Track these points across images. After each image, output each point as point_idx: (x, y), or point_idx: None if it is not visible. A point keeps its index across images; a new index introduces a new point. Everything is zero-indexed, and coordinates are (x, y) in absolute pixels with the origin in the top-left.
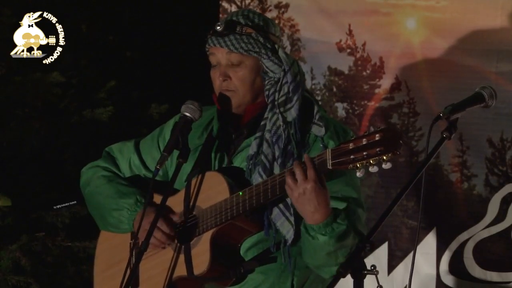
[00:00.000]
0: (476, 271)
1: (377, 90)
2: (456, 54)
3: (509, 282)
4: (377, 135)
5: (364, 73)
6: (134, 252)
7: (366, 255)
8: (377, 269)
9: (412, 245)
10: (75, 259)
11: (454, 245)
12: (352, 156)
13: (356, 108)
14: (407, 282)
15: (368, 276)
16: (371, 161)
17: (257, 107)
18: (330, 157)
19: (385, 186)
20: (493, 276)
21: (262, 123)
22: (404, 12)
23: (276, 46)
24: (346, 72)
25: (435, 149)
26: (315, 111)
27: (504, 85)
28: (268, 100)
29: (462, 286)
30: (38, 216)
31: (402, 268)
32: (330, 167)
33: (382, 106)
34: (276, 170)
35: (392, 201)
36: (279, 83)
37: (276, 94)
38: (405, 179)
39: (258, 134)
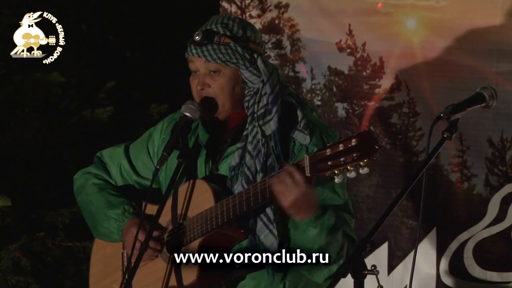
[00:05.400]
0: (476, 271)
1: (377, 90)
2: (456, 54)
3: (509, 282)
4: (353, 140)
5: (364, 73)
6: (126, 269)
7: (366, 255)
8: (377, 269)
9: (412, 245)
10: (75, 259)
11: (454, 245)
12: (329, 163)
13: (356, 108)
14: (407, 282)
15: (368, 276)
16: (349, 167)
17: (241, 115)
18: (308, 165)
19: (385, 186)
20: (493, 276)
21: (245, 133)
22: (404, 12)
23: (255, 55)
24: (346, 72)
25: (435, 149)
26: (299, 118)
27: (504, 85)
28: (248, 112)
29: (462, 286)
30: (38, 216)
31: (402, 268)
32: (309, 175)
33: (382, 106)
34: None
35: (393, 201)
36: (258, 94)
37: (255, 106)
38: (405, 179)
39: (240, 145)
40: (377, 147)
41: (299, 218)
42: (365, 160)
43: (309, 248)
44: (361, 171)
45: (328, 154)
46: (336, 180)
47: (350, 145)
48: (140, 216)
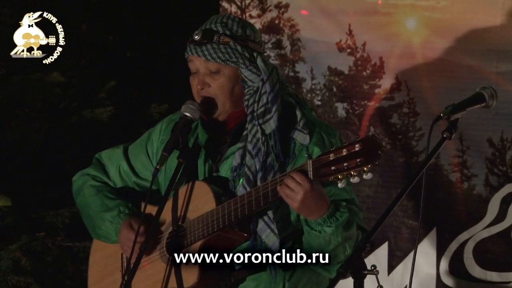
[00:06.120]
0: (476, 271)
1: (377, 90)
2: (456, 54)
3: (509, 282)
4: (356, 145)
5: (364, 73)
6: (125, 270)
7: (366, 255)
8: (377, 269)
9: (412, 245)
10: (75, 259)
11: (454, 245)
12: (333, 168)
13: (356, 108)
14: (407, 282)
15: (368, 276)
16: (352, 172)
17: (240, 115)
18: (311, 169)
19: (385, 186)
20: (493, 276)
21: (245, 133)
22: (404, 12)
23: (255, 54)
24: (346, 72)
25: (435, 149)
26: (298, 118)
27: (504, 85)
28: (247, 111)
29: (462, 286)
30: (38, 216)
31: (402, 268)
32: (311, 179)
33: (382, 106)
34: (260, 183)
35: (393, 201)
36: (258, 93)
37: (255, 105)
38: (405, 179)
39: (240, 145)
40: (380, 152)
41: (313, 218)
42: (369, 166)
43: (325, 250)
44: (364, 176)
45: (331, 159)
46: (339, 185)
47: (353, 150)
48: (135, 217)
